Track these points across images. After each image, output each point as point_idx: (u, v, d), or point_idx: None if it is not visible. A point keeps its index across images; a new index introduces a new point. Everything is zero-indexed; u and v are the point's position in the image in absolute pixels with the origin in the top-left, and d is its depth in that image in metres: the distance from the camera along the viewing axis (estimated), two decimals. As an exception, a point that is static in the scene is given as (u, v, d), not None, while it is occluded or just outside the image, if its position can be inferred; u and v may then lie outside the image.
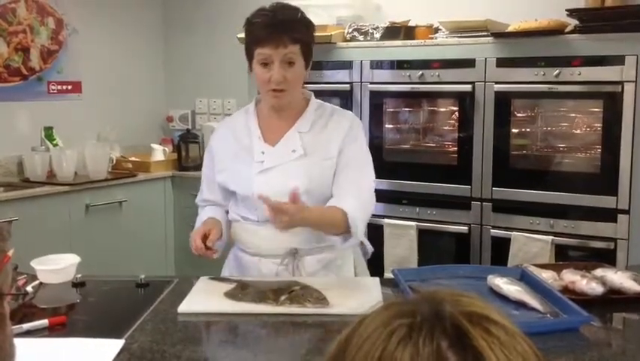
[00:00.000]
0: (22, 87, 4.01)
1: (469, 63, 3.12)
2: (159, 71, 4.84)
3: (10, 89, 3.94)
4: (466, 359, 0.56)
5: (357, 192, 1.91)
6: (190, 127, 4.60)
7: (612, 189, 2.88)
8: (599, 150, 2.92)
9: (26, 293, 1.76)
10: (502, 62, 3.05)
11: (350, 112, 2.06)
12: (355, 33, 3.51)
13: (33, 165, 3.77)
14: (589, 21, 2.93)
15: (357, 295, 1.74)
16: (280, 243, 1.89)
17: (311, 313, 1.62)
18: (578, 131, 3.07)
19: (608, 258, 2.76)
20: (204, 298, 1.74)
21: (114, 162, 4.13)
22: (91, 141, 4.14)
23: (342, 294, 1.73)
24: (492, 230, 3.14)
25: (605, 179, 2.89)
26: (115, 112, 4.48)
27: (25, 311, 1.68)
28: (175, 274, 3.96)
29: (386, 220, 3.31)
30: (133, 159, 4.25)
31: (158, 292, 1.81)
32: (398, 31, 3.40)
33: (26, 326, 1.54)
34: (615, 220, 2.89)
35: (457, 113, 3.25)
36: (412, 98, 3.42)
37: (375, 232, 3.16)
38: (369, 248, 2.11)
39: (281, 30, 1.82)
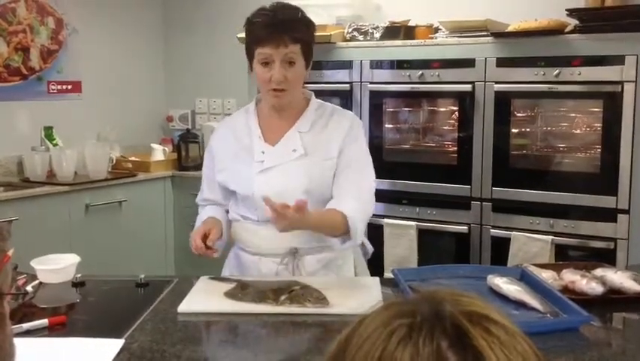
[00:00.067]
0: (22, 87, 4.01)
1: (469, 63, 3.12)
2: (159, 71, 4.84)
3: (10, 88, 3.94)
4: (466, 359, 0.56)
5: (357, 193, 1.91)
6: (190, 127, 4.60)
7: (612, 189, 2.88)
8: (599, 150, 2.92)
9: (26, 293, 1.76)
10: (502, 62, 3.05)
11: (350, 112, 2.06)
12: (355, 33, 3.51)
13: (33, 165, 3.77)
14: (589, 21, 2.93)
15: (357, 295, 1.74)
16: (280, 242, 1.89)
17: (311, 313, 1.62)
18: (578, 131, 3.07)
19: (607, 258, 2.76)
20: (204, 298, 1.74)
21: (114, 161, 4.13)
22: (91, 141, 4.13)
23: (342, 294, 1.72)
24: (492, 230, 3.14)
25: (605, 179, 2.89)
26: (115, 112, 4.48)
27: (25, 311, 1.68)
28: (175, 274, 3.96)
29: (386, 220, 3.31)
30: (133, 158, 4.25)
31: (158, 291, 1.81)
32: (398, 31, 3.40)
33: (26, 325, 1.54)
34: (615, 220, 2.89)
35: (457, 113, 3.25)
36: (412, 98, 3.42)
37: (375, 232, 3.16)
38: (370, 248, 2.12)
39: (281, 30, 1.82)
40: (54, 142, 3.97)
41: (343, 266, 2.02)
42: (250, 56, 1.90)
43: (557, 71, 2.92)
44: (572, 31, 2.97)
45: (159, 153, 4.34)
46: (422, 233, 3.26)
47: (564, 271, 1.81)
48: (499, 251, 3.08)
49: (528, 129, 3.18)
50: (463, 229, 3.20)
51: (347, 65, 3.42)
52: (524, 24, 3.01)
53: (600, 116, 2.91)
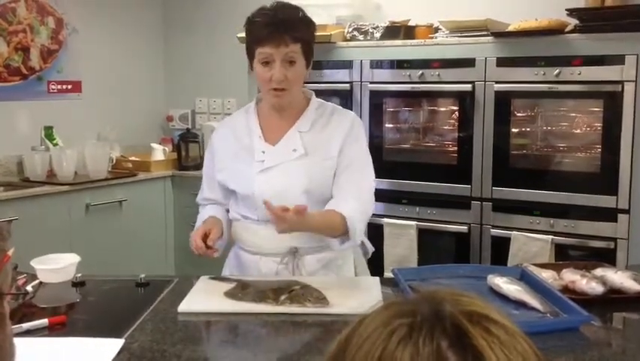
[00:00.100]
0: (22, 87, 4.01)
1: (469, 63, 3.12)
2: (159, 71, 4.84)
3: (10, 88, 3.94)
4: (466, 359, 0.56)
5: (357, 193, 1.91)
6: (190, 127, 4.60)
7: (612, 189, 2.88)
8: (599, 150, 2.92)
9: (26, 293, 1.76)
10: (502, 62, 3.05)
11: (351, 111, 2.06)
12: (355, 32, 3.51)
13: (33, 165, 3.77)
14: (589, 21, 2.93)
15: (357, 295, 1.74)
16: (280, 242, 1.89)
17: (311, 312, 1.62)
18: (578, 131, 3.07)
19: (608, 257, 2.76)
20: (204, 298, 1.74)
21: (114, 161, 4.13)
22: (91, 141, 4.14)
23: (342, 294, 1.73)
24: (492, 230, 3.14)
25: (605, 178, 2.89)
26: (115, 112, 4.48)
27: (25, 311, 1.68)
28: (175, 274, 3.96)
29: (386, 220, 3.31)
30: (133, 158, 4.26)
31: (158, 291, 1.81)
32: (398, 31, 3.39)
33: (26, 325, 1.54)
34: (615, 220, 2.89)
35: (457, 112, 3.25)
36: (412, 98, 3.42)
37: (375, 232, 3.16)
38: (370, 248, 2.11)
39: (282, 29, 1.82)
40: (54, 142, 3.97)
41: (343, 266, 2.02)
42: (250, 55, 1.90)
43: (557, 70, 2.92)
44: (572, 31, 2.97)
45: (159, 152, 4.34)
46: (422, 233, 3.26)
47: (564, 270, 1.81)
48: (499, 251, 3.08)
49: (528, 129, 3.18)
50: (463, 228, 3.20)
51: (347, 64, 3.42)
52: (524, 24, 3.01)
53: (600, 115, 2.91)
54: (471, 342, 0.57)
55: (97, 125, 4.36)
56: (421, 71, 3.23)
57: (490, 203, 3.14)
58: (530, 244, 2.99)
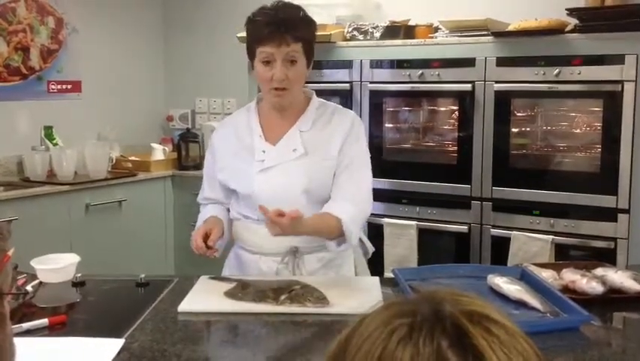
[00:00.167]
0: (22, 87, 4.01)
1: (469, 62, 3.12)
2: (159, 71, 4.84)
3: (10, 88, 3.94)
4: (466, 359, 0.56)
5: (355, 193, 1.91)
6: (190, 126, 4.60)
7: (612, 189, 2.88)
8: (599, 150, 2.92)
9: (26, 293, 1.76)
10: (502, 62, 3.05)
11: (351, 111, 2.07)
12: (355, 32, 3.51)
13: (33, 165, 3.77)
14: (589, 20, 2.93)
15: (357, 295, 1.74)
16: (281, 241, 1.89)
17: (311, 312, 1.62)
18: (578, 131, 3.07)
19: (608, 257, 2.76)
20: (204, 298, 1.74)
21: (114, 161, 4.13)
22: (91, 141, 4.13)
23: (343, 293, 1.72)
24: (492, 229, 3.14)
25: (605, 178, 2.89)
26: (115, 112, 4.48)
27: (25, 311, 1.68)
28: (175, 274, 3.96)
29: (386, 220, 3.30)
30: (133, 158, 4.25)
31: (158, 291, 1.81)
32: (398, 31, 3.39)
33: (26, 325, 1.54)
34: (615, 220, 2.89)
35: (457, 112, 3.25)
36: (412, 98, 3.42)
37: (375, 232, 3.16)
38: (370, 248, 2.12)
39: (283, 28, 1.82)
40: (54, 142, 3.97)
41: (343, 266, 2.02)
42: (251, 54, 1.90)
43: (557, 70, 2.92)
44: (572, 31, 2.97)
45: (159, 152, 4.34)
46: (422, 233, 3.26)
47: (564, 270, 1.81)
48: (500, 251, 3.08)
49: (528, 129, 3.18)
50: (463, 228, 3.20)
51: (347, 64, 3.41)
52: (524, 23, 3.01)
53: (600, 115, 2.91)
54: (471, 342, 0.57)
55: (97, 125, 4.35)
56: (420, 71, 3.23)
57: (490, 203, 3.14)
58: (530, 244, 2.99)
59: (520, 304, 1.63)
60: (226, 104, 4.59)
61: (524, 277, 1.78)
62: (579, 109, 3.05)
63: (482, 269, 1.95)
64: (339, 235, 1.84)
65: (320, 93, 2.09)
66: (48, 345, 1.47)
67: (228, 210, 2.06)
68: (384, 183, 3.23)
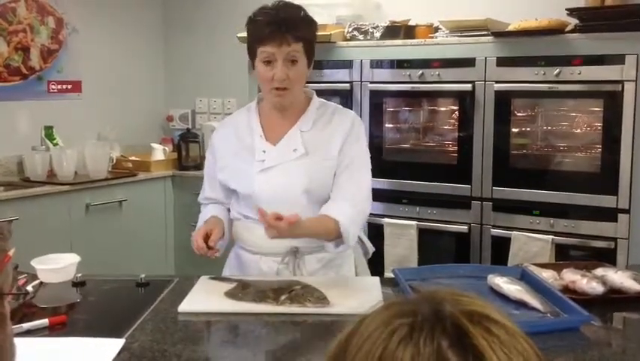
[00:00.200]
0: (22, 87, 4.01)
1: (469, 62, 3.12)
2: (159, 71, 4.84)
3: (10, 88, 3.94)
4: (466, 359, 0.56)
5: (356, 193, 1.91)
6: (190, 126, 4.60)
7: (612, 189, 2.87)
8: (599, 150, 2.92)
9: (27, 293, 1.76)
10: (502, 62, 3.05)
11: (352, 111, 2.07)
12: (355, 32, 3.51)
13: (33, 165, 3.77)
14: (589, 20, 2.93)
15: (357, 295, 1.74)
16: (281, 241, 1.88)
17: (311, 312, 1.62)
18: (578, 131, 3.07)
19: (608, 257, 2.76)
20: (205, 298, 1.74)
21: (114, 161, 4.13)
22: (91, 141, 4.13)
23: (343, 293, 1.72)
24: (492, 229, 3.14)
25: (606, 178, 2.89)
26: (115, 112, 4.48)
27: (25, 311, 1.68)
28: (175, 274, 3.96)
29: (386, 220, 3.30)
30: (133, 158, 4.25)
31: (159, 291, 1.81)
32: (398, 31, 3.39)
33: (26, 325, 1.54)
34: (615, 220, 2.89)
35: (457, 112, 3.25)
36: (412, 98, 3.42)
37: (375, 232, 3.16)
38: (371, 248, 2.12)
39: (284, 28, 1.82)
40: (54, 142, 3.97)
41: (344, 266, 2.02)
42: (252, 54, 1.90)
43: (557, 70, 2.92)
44: (572, 31, 2.97)
45: (159, 152, 4.34)
46: (422, 233, 3.26)
47: (564, 270, 1.81)
48: (500, 251, 3.08)
49: (528, 129, 3.18)
50: (464, 228, 3.20)
51: (347, 64, 3.41)
52: (524, 23, 3.01)
53: (600, 115, 2.91)
54: (471, 342, 0.57)
55: (97, 125, 4.36)
56: (421, 71, 3.23)
57: (491, 203, 3.14)
58: (530, 244, 2.99)
59: (521, 304, 1.63)
60: (226, 104, 4.59)
61: (524, 278, 1.78)
62: (579, 109, 3.05)
63: (482, 269, 1.95)
64: (337, 236, 1.84)
65: (320, 93, 2.09)
66: (48, 345, 1.47)
67: (229, 210, 2.06)
68: (384, 183, 3.23)
